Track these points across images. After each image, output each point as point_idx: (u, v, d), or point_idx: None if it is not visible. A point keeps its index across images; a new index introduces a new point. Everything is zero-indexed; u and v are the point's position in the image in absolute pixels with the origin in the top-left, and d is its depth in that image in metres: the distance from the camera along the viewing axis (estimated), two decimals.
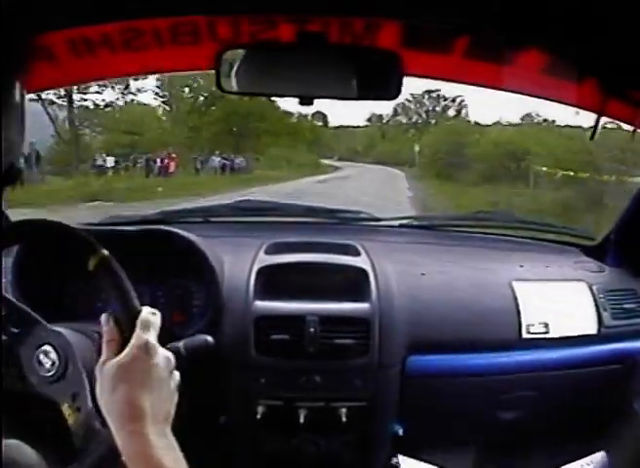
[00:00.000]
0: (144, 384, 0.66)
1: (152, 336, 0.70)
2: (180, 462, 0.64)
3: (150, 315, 0.73)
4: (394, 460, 1.29)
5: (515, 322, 1.26)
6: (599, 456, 1.32)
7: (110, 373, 0.66)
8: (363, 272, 1.23)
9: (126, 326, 0.71)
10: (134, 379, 0.66)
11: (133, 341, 0.68)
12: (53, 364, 0.78)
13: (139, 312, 0.72)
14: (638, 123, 1.10)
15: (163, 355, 0.70)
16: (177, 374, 0.72)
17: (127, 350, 0.68)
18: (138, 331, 0.70)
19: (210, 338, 1.01)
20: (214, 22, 1.11)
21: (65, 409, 0.76)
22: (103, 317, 0.71)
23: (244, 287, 1.20)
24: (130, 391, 0.65)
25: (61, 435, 0.76)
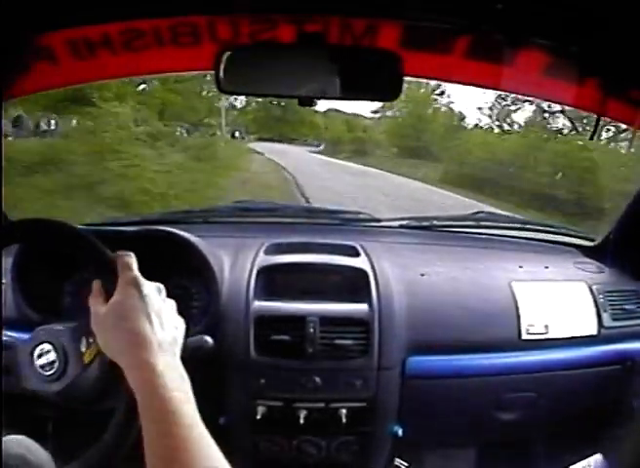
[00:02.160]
0: (142, 315, 0.67)
1: (135, 272, 0.71)
2: (188, 392, 0.65)
3: (126, 256, 0.73)
4: (397, 461, 1.29)
5: (515, 323, 1.26)
6: (599, 457, 1.32)
7: (107, 315, 0.68)
8: (363, 273, 1.23)
9: (107, 275, 0.72)
10: (131, 313, 0.67)
11: (119, 282, 0.70)
12: (52, 363, 0.78)
13: (115, 258, 0.73)
14: (638, 124, 1.10)
15: (152, 285, 0.72)
16: (170, 301, 0.74)
17: (117, 291, 0.69)
18: (122, 272, 0.71)
19: (209, 339, 1.01)
20: (213, 23, 1.11)
21: (85, 356, 0.77)
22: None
23: (244, 287, 1.20)
24: (130, 323, 0.66)
25: (62, 434, 0.76)
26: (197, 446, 0.60)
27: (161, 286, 0.74)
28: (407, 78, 1.00)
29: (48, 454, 0.78)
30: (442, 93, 19.07)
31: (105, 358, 0.73)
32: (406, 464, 1.30)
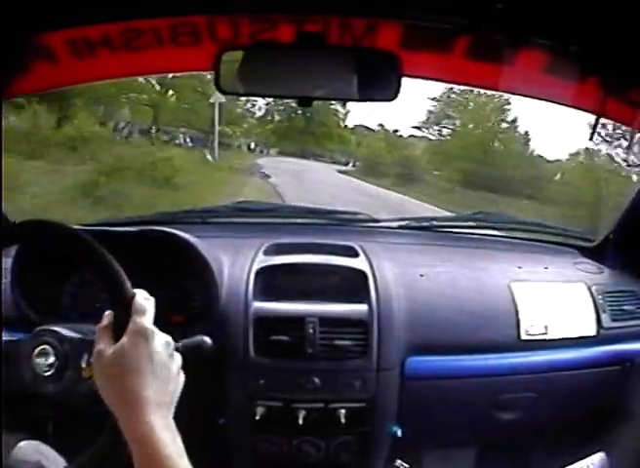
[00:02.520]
0: (146, 370, 0.65)
1: (149, 321, 0.70)
2: (181, 446, 0.65)
3: (144, 300, 0.72)
4: (398, 462, 1.29)
5: (514, 323, 1.26)
6: (598, 457, 1.32)
7: (110, 361, 0.66)
8: (362, 273, 1.23)
9: (120, 312, 0.71)
10: (135, 366, 0.65)
11: (130, 327, 0.68)
12: (52, 364, 0.78)
13: (132, 297, 0.72)
14: (638, 124, 1.10)
15: (162, 339, 0.70)
16: (178, 356, 0.72)
17: (125, 337, 0.67)
18: (133, 316, 0.69)
19: (208, 339, 1.01)
20: (213, 23, 1.11)
21: (84, 372, 0.76)
22: (107, 314, 0.71)
23: (243, 288, 1.19)
24: (132, 379, 0.64)
25: (61, 433, 0.76)
26: None
27: (170, 340, 0.72)
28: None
29: (64, 460, 0.78)
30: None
31: None
32: (407, 465, 1.30)
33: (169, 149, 9.44)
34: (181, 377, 0.72)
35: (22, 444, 0.74)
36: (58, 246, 0.79)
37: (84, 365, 0.76)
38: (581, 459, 1.32)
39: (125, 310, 0.70)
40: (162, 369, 0.67)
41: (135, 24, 1.10)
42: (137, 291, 0.73)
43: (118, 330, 0.69)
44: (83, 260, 0.76)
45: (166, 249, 1.19)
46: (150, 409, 0.63)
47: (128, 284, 0.73)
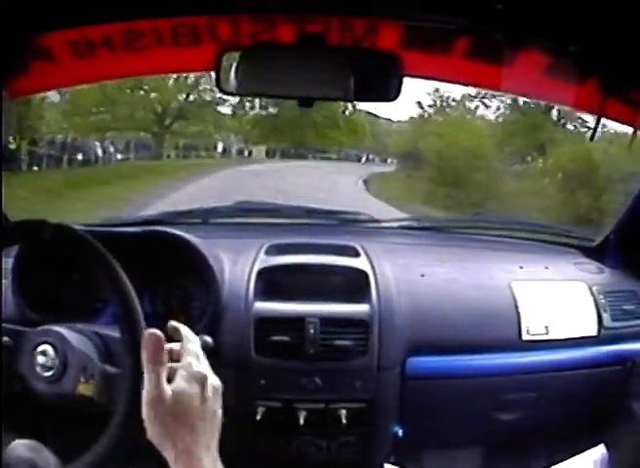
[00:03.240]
0: (201, 423, 0.66)
1: (207, 366, 0.69)
2: None
3: (197, 342, 0.72)
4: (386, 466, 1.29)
5: (515, 323, 1.25)
6: (599, 450, 1.32)
7: (167, 408, 0.64)
8: (363, 273, 1.23)
9: (133, 336, 0.71)
10: (192, 418, 0.65)
11: (187, 372, 0.66)
12: (52, 364, 0.78)
13: (142, 325, 0.72)
14: (638, 124, 1.10)
15: (213, 385, 0.69)
16: (220, 402, 0.72)
17: (182, 382, 0.65)
18: (191, 359, 0.67)
19: (209, 339, 1.01)
20: (214, 23, 1.11)
21: (82, 388, 0.76)
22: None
23: (244, 288, 1.19)
24: (188, 433, 0.64)
25: (61, 434, 0.76)
26: None
27: (218, 384, 0.71)
28: None
29: (56, 458, 0.77)
30: None
31: (101, 396, 0.74)
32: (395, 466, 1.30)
33: None
34: (220, 408, 0.72)
35: (16, 442, 0.74)
36: (58, 246, 0.79)
37: (82, 378, 0.76)
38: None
39: (139, 336, 0.69)
40: (213, 416, 0.69)
41: (135, 25, 1.10)
42: (186, 330, 0.72)
43: (130, 353, 0.69)
44: (83, 260, 0.76)
45: (167, 249, 1.19)
46: (203, 461, 0.64)
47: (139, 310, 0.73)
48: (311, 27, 1.06)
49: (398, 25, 1.11)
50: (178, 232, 1.19)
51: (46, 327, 0.82)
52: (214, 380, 0.69)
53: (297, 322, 1.14)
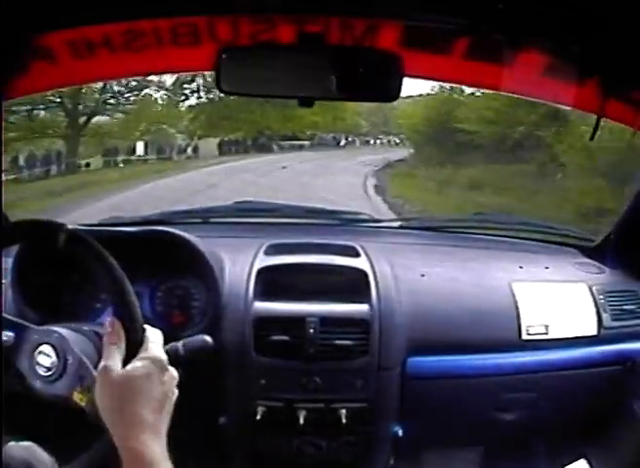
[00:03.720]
0: (153, 400, 0.66)
1: (163, 352, 0.71)
2: None
3: (159, 335, 0.73)
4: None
5: (515, 323, 1.26)
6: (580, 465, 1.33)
7: (119, 382, 0.66)
8: (363, 273, 1.23)
9: (132, 334, 0.71)
10: (143, 394, 0.66)
11: (146, 354, 0.69)
12: (52, 364, 0.78)
13: (142, 324, 0.73)
14: (638, 124, 1.10)
15: (172, 372, 0.71)
16: (176, 392, 0.72)
17: (140, 362, 0.68)
18: (152, 344, 0.70)
19: (209, 339, 1.01)
20: (214, 23, 1.11)
21: (76, 396, 0.76)
22: (109, 319, 0.71)
23: (244, 288, 1.19)
24: (138, 406, 0.65)
25: (60, 435, 0.76)
26: None
27: (175, 373, 0.72)
28: None
29: (52, 459, 0.77)
30: None
31: (93, 411, 0.72)
32: None
33: None
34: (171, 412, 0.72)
35: (11, 443, 0.74)
36: (58, 246, 0.79)
37: (78, 387, 0.76)
38: (581, 458, 1.32)
39: (136, 333, 0.71)
40: (165, 401, 0.69)
41: (135, 25, 1.10)
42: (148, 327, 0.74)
43: (127, 349, 0.69)
44: (83, 260, 0.76)
45: (167, 248, 1.19)
46: (151, 435, 0.65)
47: (139, 314, 0.73)
48: (311, 27, 1.06)
49: (398, 25, 1.11)
50: (177, 232, 1.20)
51: (46, 327, 0.82)
52: (172, 369, 0.71)
53: (297, 321, 1.14)
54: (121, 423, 0.65)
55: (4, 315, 0.82)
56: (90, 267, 0.75)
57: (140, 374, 0.67)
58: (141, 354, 0.69)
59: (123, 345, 0.69)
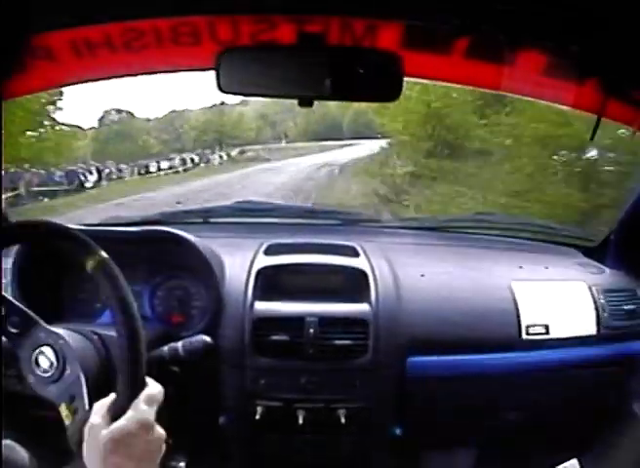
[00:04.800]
0: (137, 460, 0.66)
1: (153, 413, 0.70)
2: None
3: (157, 390, 0.73)
4: None
5: (515, 323, 1.26)
6: (571, 465, 1.33)
7: (105, 441, 0.66)
8: (362, 273, 1.23)
9: (127, 390, 0.70)
10: (128, 454, 0.66)
11: (134, 414, 0.68)
12: (51, 365, 0.78)
13: (144, 384, 0.72)
14: (638, 124, 1.10)
15: (159, 432, 0.70)
16: (162, 449, 0.72)
17: (126, 421, 0.67)
18: (142, 404, 0.69)
19: (209, 339, 1.01)
20: (214, 23, 1.11)
21: (63, 409, 0.76)
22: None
23: (243, 288, 1.19)
24: (120, 459, 0.65)
25: (60, 435, 0.76)
26: None
27: (164, 434, 0.71)
28: None
29: (31, 458, 0.78)
30: None
31: (76, 429, 0.73)
32: None
33: None
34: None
35: None
36: (57, 246, 0.79)
37: (67, 405, 0.76)
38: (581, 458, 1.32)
39: (133, 392, 0.70)
40: (152, 457, 0.69)
41: (135, 24, 1.10)
42: (149, 380, 0.73)
43: (119, 406, 0.69)
44: (81, 261, 0.76)
45: (167, 248, 1.19)
46: None
47: (143, 364, 0.72)
48: (311, 27, 1.06)
49: (398, 25, 1.11)
50: (177, 232, 1.20)
51: (46, 327, 0.82)
52: (159, 428, 0.70)
53: (296, 321, 1.14)
54: None
55: (13, 301, 0.82)
56: (89, 267, 0.74)
57: (127, 434, 0.66)
58: (129, 413, 0.68)
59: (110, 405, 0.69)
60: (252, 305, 1.17)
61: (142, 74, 1.26)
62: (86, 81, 1.29)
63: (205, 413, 1.18)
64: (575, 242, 1.60)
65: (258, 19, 1.09)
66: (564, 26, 0.89)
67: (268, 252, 1.30)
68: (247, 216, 1.65)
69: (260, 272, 1.22)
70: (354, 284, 1.22)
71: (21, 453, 0.77)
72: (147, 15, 1.05)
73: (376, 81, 0.98)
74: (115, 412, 0.68)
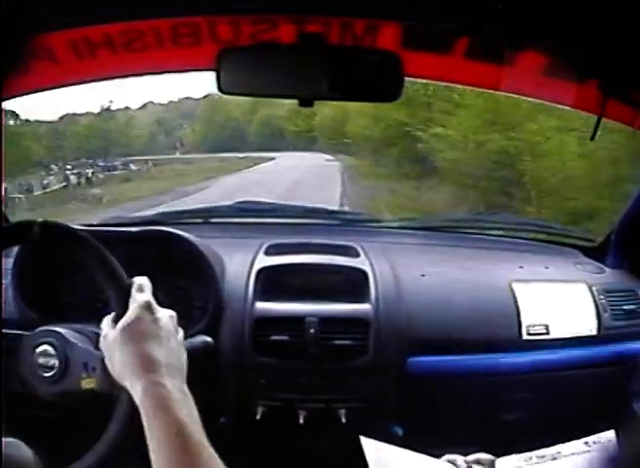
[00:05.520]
0: (153, 338, 0.67)
1: (149, 296, 0.72)
2: (196, 415, 0.65)
3: (143, 279, 0.75)
4: None
5: (515, 323, 1.26)
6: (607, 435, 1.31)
7: (117, 336, 0.67)
8: (362, 273, 1.23)
9: (120, 297, 0.72)
10: (141, 335, 0.67)
11: (133, 304, 0.70)
12: (53, 364, 0.78)
13: (130, 284, 0.74)
14: (638, 125, 1.10)
15: (165, 311, 0.72)
16: (181, 332, 0.74)
17: (128, 313, 0.69)
18: (134, 292, 0.72)
19: (209, 339, 1.01)
20: (214, 23, 1.11)
21: (85, 383, 0.76)
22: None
23: (244, 288, 1.20)
24: (140, 346, 0.66)
25: (61, 435, 0.76)
26: (207, 465, 0.61)
27: (173, 313, 0.74)
28: None
29: (35, 456, 0.78)
30: None
31: (104, 385, 0.74)
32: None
33: None
34: (185, 354, 0.73)
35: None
36: (58, 246, 0.79)
37: (84, 374, 0.76)
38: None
39: (124, 296, 0.72)
40: (168, 337, 0.69)
41: (136, 25, 1.11)
42: (135, 278, 0.75)
43: (121, 315, 0.70)
44: (83, 260, 0.76)
45: (168, 249, 1.19)
46: (162, 373, 0.65)
47: (124, 273, 0.75)
48: (311, 27, 1.06)
49: (398, 25, 1.11)
50: (178, 232, 1.20)
51: (46, 327, 0.83)
52: (166, 310, 0.73)
53: (296, 321, 1.14)
54: (132, 370, 0.65)
55: (13, 301, 0.82)
56: (90, 267, 0.75)
57: (131, 321, 0.68)
58: (130, 306, 0.70)
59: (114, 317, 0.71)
60: (252, 305, 1.17)
61: (143, 74, 1.26)
62: (86, 81, 1.29)
63: (205, 413, 1.18)
64: (575, 242, 1.60)
65: (258, 20, 1.09)
66: (564, 26, 0.89)
67: (269, 252, 1.30)
68: (247, 217, 1.65)
69: (260, 272, 1.22)
70: (355, 284, 1.22)
71: (27, 452, 0.77)
72: (147, 15, 1.05)
73: (376, 81, 0.98)
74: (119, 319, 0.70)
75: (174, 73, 1.29)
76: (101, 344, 0.71)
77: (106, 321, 0.72)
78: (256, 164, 20.65)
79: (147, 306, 0.70)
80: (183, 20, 1.11)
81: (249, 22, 1.10)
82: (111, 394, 0.74)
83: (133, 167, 20.97)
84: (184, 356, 0.72)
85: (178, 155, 28.81)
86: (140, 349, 0.66)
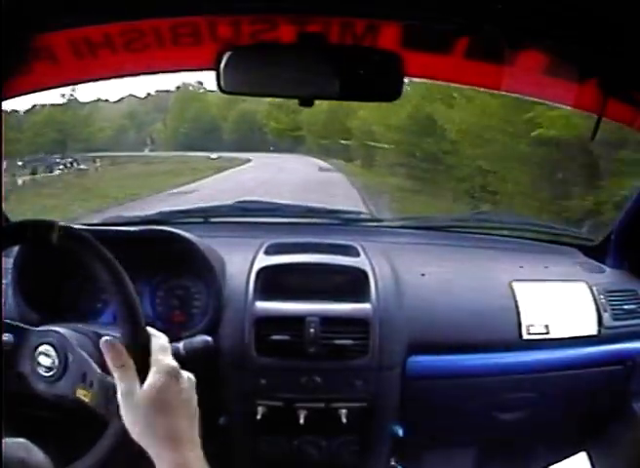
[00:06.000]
0: (180, 411, 0.67)
1: (173, 360, 0.71)
2: None
3: (163, 338, 0.73)
4: (392, 463, 1.29)
5: (515, 322, 1.26)
6: (579, 458, 1.32)
7: (143, 403, 0.66)
8: (363, 273, 1.23)
9: (138, 350, 0.70)
10: (169, 408, 0.66)
11: (158, 368, 0.68)
12: (52, 364, 0.78)
13: (148, 336, 0.72)
14: (638, 124, 1.10)
15: (187, 376, 0.71)
16: (195, 395, 0.72)
17: (154, 377, 0.67)
18: (159, 356, 0.70)
19: (210, 339, 1.01)
20: (214, 23, 1.11)
21: (80, 392, 0.76)
22: (103, 344, 0.70)
23: (244, 287, 1.20)
24: (168, 420, 0.66)
25: (61, 435, 0.76)
26: None
27: (191, 376, 0.72)
28: None
29: (47, 458, 0.78)
30: None
31: (98, 405, 0.74)
32: (400, 466, 1.30)
33: None
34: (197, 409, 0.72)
35: (6, 441, 0.74)
36: (58, 246, 0.79)
37: (81, 384, 0.76)
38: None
39: (142, 348, 0.70)
40: (190, 407, 0.69)
41: (136, 25, 1.10)
42: (150, 329, 0.73)
43: (139, 368, 0.69)
44: (83, 260, 0.76)
45: (168, 248, 1.19)
46: (186, 446, 0.65)
47: (143, 320, 0.73)
48: (311, 27, 1.06)
49: (398, 25, 1.11)
50: (178, 231, 1.20)
51: (46, 327, 0.83)
52: (185, 372, 0.71)
53: (297, 321, 1.14)
54: (159, 443, 0.65)
55: (13, 301, 0.82)
56: (91, 267, 0.75)
57: (160, 389, 0.67)
58: (153, 368, 0.68)
59: (130, 362, 0.68)
60: (252, 305, 1.17)
61: (143, 74, 1.26)
62: (86, 81, 1.29)
63: (205, 413, 1.18)
64: (575, 242, 1.60)
65: (258, 20, 1.09)
66: (564, 26, 0.89)
67: (269, 251, 1.30)
68: (247, 216, 1.65)
69: (260, 272, 1.22)
70: (355, 283, 1.22)
71: (39, 454, 0.77)
72: (148, 15, 1.05)
73: (376, 81, 0.98)
74: (136, 372, 0.68)
75: (174, 73, 1.29)
76: (123, 401, 0.68)
77: (123, 372, 0.68)
78: (226, 169, 18.49)
79: (175, 374, 0.69)
80: (183, 20, 1.11)
81: (249, 22, 1.10)
82: (102, 415, 0.74)
83: (82, 166, 18.16)
84: (197, 418, 0.71)
85: (146, 152, 26.58)
86: (168, 424, 0.66)
